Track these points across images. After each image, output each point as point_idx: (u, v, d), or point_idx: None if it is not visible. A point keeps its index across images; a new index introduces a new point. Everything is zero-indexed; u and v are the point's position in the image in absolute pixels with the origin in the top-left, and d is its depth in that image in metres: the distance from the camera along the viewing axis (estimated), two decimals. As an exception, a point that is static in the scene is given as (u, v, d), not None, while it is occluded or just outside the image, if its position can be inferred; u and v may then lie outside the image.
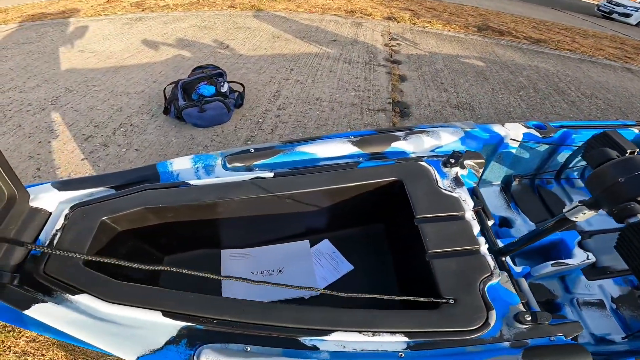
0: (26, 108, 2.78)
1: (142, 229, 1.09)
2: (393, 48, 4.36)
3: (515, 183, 1.72)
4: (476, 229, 1.04)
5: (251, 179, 1.11)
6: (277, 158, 1.20)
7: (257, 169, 1.18)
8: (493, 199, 1.68)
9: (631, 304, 1.33)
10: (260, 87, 3.20)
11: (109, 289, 0.82)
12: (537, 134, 1.50)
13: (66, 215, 0.96)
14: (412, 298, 0.86)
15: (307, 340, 0.80)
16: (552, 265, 1.26)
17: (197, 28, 4.49)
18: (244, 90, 2.95)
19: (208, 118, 2.54)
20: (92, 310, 0.79)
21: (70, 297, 0.80)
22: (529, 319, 0.83)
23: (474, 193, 1.19)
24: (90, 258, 0.74)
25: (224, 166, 1.17)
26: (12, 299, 0.78)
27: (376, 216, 1.34)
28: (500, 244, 1.09)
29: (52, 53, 3.71)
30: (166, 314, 0.79)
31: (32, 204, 0.96)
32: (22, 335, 1.42)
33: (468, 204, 1.10)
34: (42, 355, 1.38)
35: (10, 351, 1.37)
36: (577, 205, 0.85)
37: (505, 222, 1.61)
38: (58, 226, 0.94)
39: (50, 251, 0.70)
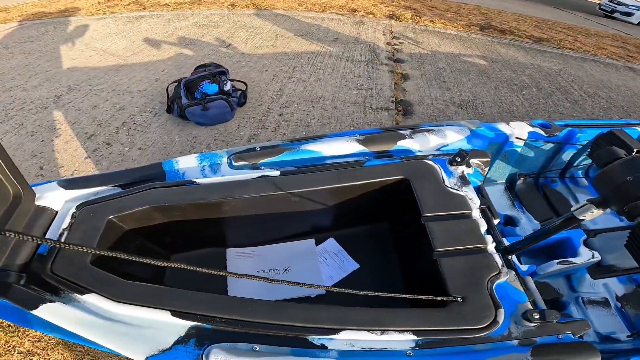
0: (28, 107, 2.78)
1: (148, 228, 1.08)
2: (395, 47, 4.35)
3: (519, 182, 1.72)
4: (483, 227, 1.04)
5: (257, 177, 1.11)
6: (283, 156, 1.20)
7: (263, 168, 1.18)
8: (498, 197, 1.68)
9: (636, 303, 1.33)
10: (263, 86, 3.19)
11: (117, 288, 0.82)
12: (542, 132, 1.50)
13: (73, 214, 0.96)
14: (422, 297, 0.86)
15: (315, 339, 0.80)
16: (558, 263, 1.26)
17: (199, 26, 4.48)
18: (246, 88, 2.95)
19: (211, 116, 2.53)
20: (101, 310, 0.79)
21: (78, 296, 0.80)
22: (538, 317, 0.83)
23: (479, 191, 1.19)
24: (101, 252, 0.72)
25: (230, 164, 1.17)
26: (19, 299, 0.78)
27: (381, 215, 1.34)
28: (505, 242, 1.09)
29: (53, 51, 3.70)
30: (175, 313, 0.79)
31: (38, 202, 0.96)
32: (27, 335, 1.41)
33: (475, 202, 1.10)
34: (48, 355, 1.37)
35: (15, 351, 1.37)
36: (585, 204, 0.85)
37: (509, 221, 1.61)
38: (65, 225, 0.94)
39: (60, 245, 0.69)
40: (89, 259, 0.86)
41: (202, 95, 2.55)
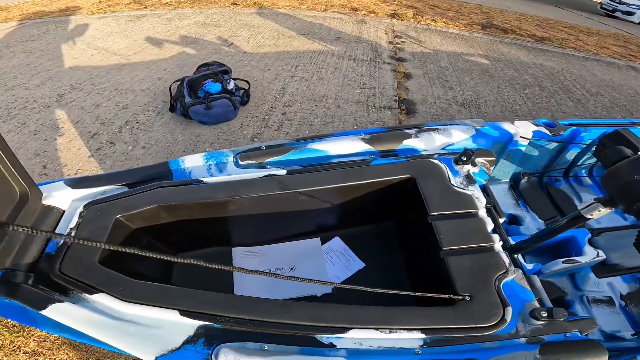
0: (31, 105, 2.77)
1: (155, 227, 1.08)
2: (397, 46, 4.35)
3: (523, 180, 1.72)
4: (490, 226, 1.04)
5: (264, 176, 1.11)
6: (289, 155, 1.20)
7: (269, 167, 1.18)
8: (502, 196, 1.68)
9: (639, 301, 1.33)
10: (266, 85, 3.19)
11: (126, 288, 0.81)
12: (547, 132, 1.50)
13: (80, 214, 0.96)
14: (430, 295, 0.86)
15: (324, 338, 0.80)
16: (563, 262, 1.26)
17: (201, 25, 4.47)
18: (249, 87, 2.95)
19: (214, 115, 2.53)
20: (110, 310, 0.79)
21: (87, 296, 0.80)
22: (545, 315, 0.83)
23: (484, 190, 1.19)
24: (112, 248, 0.72)
25: (236, 163, 1.17)
26: (28, 299, 0.77)
27: (387, 214, 1.34)
28: (511, 241, 1.09)
29: (55, 50, 3.70)
30: (183, 313, 0.79)
31: (45, 202, 0.96)
32: (32, 335, 1.41)
33: (481, 201, 1.10)
34: (53, 354, 1.37)
35: (20, 351, 1.37)
36: (593, 203, 0.85)
37: (514, 220, 1.61)
38: (73, 224, 0.94)
39: (71, 240, 0.69)
40: (97, 258, 0.86)
41: (205, 94, 2.55)
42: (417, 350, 0.80)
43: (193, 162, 1.15)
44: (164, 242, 1.17)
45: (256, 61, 3.62)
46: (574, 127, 1.55)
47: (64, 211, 0.99)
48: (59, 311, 0.77)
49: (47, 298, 0.78)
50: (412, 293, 0.88)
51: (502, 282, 0.91)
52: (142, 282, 0.83)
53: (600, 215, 0.85)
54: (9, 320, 1.39)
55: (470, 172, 1.20)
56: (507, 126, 1.46)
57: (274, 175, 1.12)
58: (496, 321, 0.83)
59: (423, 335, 0.81)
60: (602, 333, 1.24)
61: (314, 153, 1.22)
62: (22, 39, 3.96)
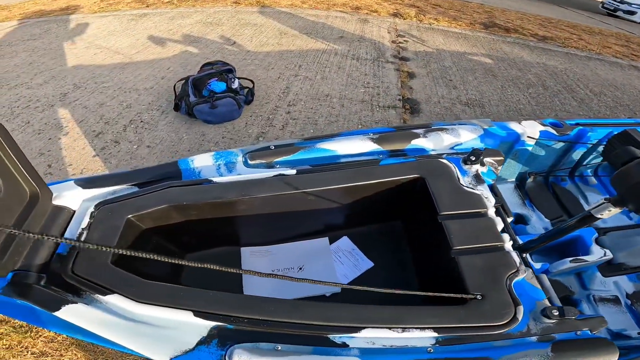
0: (34, 105, 2.77)
1: (165, 227, 1.08)
2: (400, 45, 4.34)
3: (529, 180, 1.73)
4: (500, 226, 1.04)
5: (274, 176, 1.11)
6: (298, 155, 1.20)
7: (278, 166, 1.18)
8: (508, 196, 1.68)
9: None
10: (270, 84, 3.18)
11: (139, 288, 0.81)
12: (554, 131, 1.50)
13: (92, 214, 0.96)
14: (442, 294, 0.86)
15: (336, 337, 0.80)
16: (570, 261, 1.26)
17: (203, 24, 4.46)
18: (253, 86, 2.94)
19: (219, 114, 2.53)
20: (123, 311, 0.79)
21: (100, 297, 0.79)
22: (557, 314, 0.84)
23: (492, 190, 1.19)
24: (123, 252, 0.72)
25: (245, 163, 1.17)
26: (41, 300, 0.77)
27: (395, 213, 1.34)
28: (519, 240, 1.09)
29: (57, 49, 3.69)
30: (197, 313, 0.79)
31: (55, 202, 0.96)
32: (40, 336, 1.41)
33: (490, 201, 1.10)
34: (61, 355, 1.37)
35: (28, 352, 1.36)
36: (603, 203, 0.85)
37: (520, 219, 1.61)
38: (84, 225, 0.94)
39: (80, 244, 0.69)
40: (109, 259, 0.86)
41: (210, 93, 2.54)
42: (429, 349, 0.80)
43: (202, 162, 1.15)
44: (174, 242, 1.18)
45: (259, 60, 3.61)
46: (581, 127, 1.55)
47: (74, 211, 0.99)
48: (73, 312, 0.77)
49: (60, 299, 0.78)
50: (425, 293, 0.88)
51: (513, 282, 0.92)
52: (155, 282, 0.83)
53: (610, 215, 0.85)
54: (17, 320, 1.40)
55: (479, 171, 1.20)
56: (514, 126, 1.47)
57: (283, 175, 1.12)
58: (508, 320, 0.84)
59: (435, 334, 0.82)
60: (609, 331, 1.25)
61: (323, 153, 1.22)
62: (24, 38, 3.95)
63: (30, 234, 0.60)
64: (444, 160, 1.20)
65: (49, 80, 3.11)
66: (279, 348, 0.77)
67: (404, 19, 5.34)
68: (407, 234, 1.36)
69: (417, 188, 1.17)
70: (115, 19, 4.56)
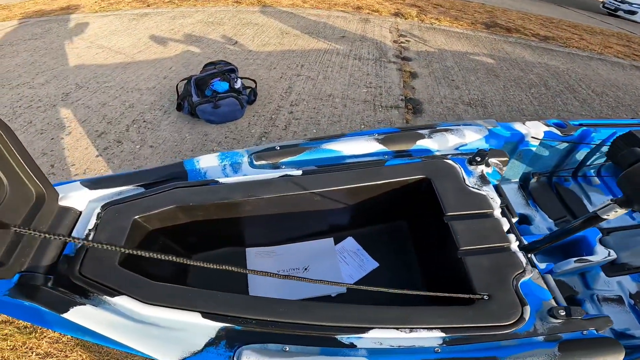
0: (36, 104, 2.77)
1: (171, 228, 1.08)
2: (402, 45, 4.34)
3: (533, 180, 1.73)
4: (506, 226, 1.04)
5: (280, 177, 1.11)
6: (303, 155, 1.20)
7: (283, 167, 1.18)
8: (512, 196, 1.68)
9: None
10: (272, 84, 3.18)
11: (147, 290, 0.81)
12: (558, 132, 1.51)
13: (98, 215, 0.96)
14: (450, 295, 0.86)
15: (344, 338, 0.80)
16: (575, 262, 1.26)
17: (204, 24, 4.46)
18: (256, 86, 2.94)
19: (222, 114, 2.53)
20: (132, 313, 0.79)
21: (108, 299, 0.79)
22: (563, 313, 0.84)
23: (497, 190, 1.19)
24: (131, 252, 0.72)
25: (251, 164, 1.17)
26: (49, 302, 0.77)
27: (400, 214, 1.34)
28: (524, 241, 1.10)
29: (59, 49, 3.68)
30: (205, 315, 0.78)
31: (61, 203, 0.95)
32: (45, 336, 1.40)
33: (496, 201, 1.11)
34: (66, 356, 1.36)
35: (33, 353, 1.36)
36: (609, 204, 0.85)
37: (524, 219, 1.61)
38: (91, 226, 0.94)
39: (90, 244, 0.69)
40: (117, 260, 0.85)
41: (212, 93, 2.54)
42: (436, 348, 0.80)
43: (208, 162, 1.15)
44: (180, 243, 1.18)
45: (262, 60, 3.61)
46: (585, 128, 1.56)
47: (80, 212, 0.99)
48: (82, 314, 0.76)
49: (68, 301, 0.78)
50: (433, 294, 0.88)
51: (520, 282, 0.92)
52: (163, 284, 0.83)
53: (616, 215, 0.85)
54: (21, 321, 1.40)
55: (484, 172, 1.20)
56: (518, 126, 1.47)
57: (289, 175, 1.12)
58: (515, 320, 0.84)
59: (442, 334, 0.82)
60: (613, 331, 1.25)
61: (328, 153, 1.22)
62: (25, 38, 3.95)
63: (39, 234, 0.60)
64: (450, 161, 1.20)
65: (50, 79, 3.11)
66: (287, 349, 0.77)
67: (406, 18, 5.34)
68: (412, 235, 1.37)
69: (423, 189, 1.17)
70: (116, 18, 4.56)
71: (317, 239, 1.32)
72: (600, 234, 1.38)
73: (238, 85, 2.66)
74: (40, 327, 1.38)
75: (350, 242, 1.33)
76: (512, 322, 0.84)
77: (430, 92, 3.30)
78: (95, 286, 0.81)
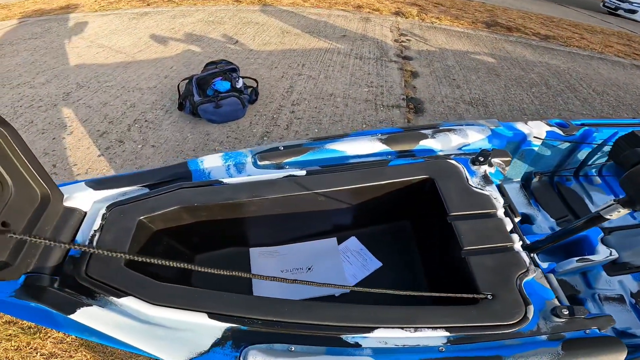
0: (37, 104, 2.77)
1: (176, 228, 1.09)
2: (403, 44, 4.33)
3: (535, 180, 1.73)
4: (509, 226, 1.05)
5: (284, 177, 1.12)
6: (307, 156, 1.21)
7: (287, 167, 1.19)
8: (514, 195, 1.69)
9: None
10: (273, 83, 3.18)
11: (153, 290, 0.81)
12: (560, 132, 1.51)
13: (103, 215, 0.96)
14: (455, 295, 0.86)
15: (349, 337, 0.81)
16: (577, 261, 1.27)
17: (205, 23, 4.45)
18: (257, 85, 2.94)
19: (223, 114, 2.53)
20: (138, 313, 0.79)
21: (115, 299, 0.80)
22: (567, 313, 0.85)
23: (499, 190, 1.20)
24: (135, 258, 0.72)
25: (255, 164, 1.17)
26: (55, 303, 0.77)
27: (403, 214, 1.35)
28: (526, 240, 1.10)
29: (59, 48, 3.68)
30: (212, 315, 0.79)
31: (66, 203, 0.95)
32: (49, 337, 1.40)
33: (499, 201, 1.11)
34: (71, 356, 1.36)
35: (37, 353, 1.36)
36: (612, 204, 0.85)
37: (526, 219, 1.62)
38: (96, 226, 0.94)
39: (92, 250, 0.69)
40: (123, 261, 0.86)
41: (214, 92, 2.54)
42: (440, 348, 0.81)
43: (212, 163, 1.16)
44: (184, 243, 1.18)
45: (262, 59, 3.61)
46: (586, 127, 1.56)
47: (85, 213, 0.99)
48: (89, 315, 0.77)
49: (75, 302, 0.78)
50: (438, 294, 0.88)
51: (523, 281, 0.92)
52: (169, 284, 0.83)
53: (619, 216, 0.86)
54: (25, 321, 1.40)
55: (487, 172, 1.21)
56: (521, 126, 1.47)
57: (293, 175, 1.12)
58: (519, 319, 0.84)
59: (447, 334, 0.82)
60: (614, 330, 1.26)
61: (332, 153, 1.22)
62: (25, 37, 3.94)
63: (40, 240, 0.60)
64: (453, 161, 1.20)
65: (51, 79, 3.10)
66: (293, 349, 0.77)
67: (406, 17, 5.33)
68: (415, 235, 1.37)
69: (426, 189, 1.17)
70: (116, 17, 4.55)
71: (321, 239, 1.32)
72: (602, 234, 1.38)
73: (240, 84, 2.66)
74: (47, 328, 1.38)
75: (353, 242, 1.34)
76: (515, 321, 0.84)
77: (432, 92, 3.30)
78: (102, 287, 0.81)
